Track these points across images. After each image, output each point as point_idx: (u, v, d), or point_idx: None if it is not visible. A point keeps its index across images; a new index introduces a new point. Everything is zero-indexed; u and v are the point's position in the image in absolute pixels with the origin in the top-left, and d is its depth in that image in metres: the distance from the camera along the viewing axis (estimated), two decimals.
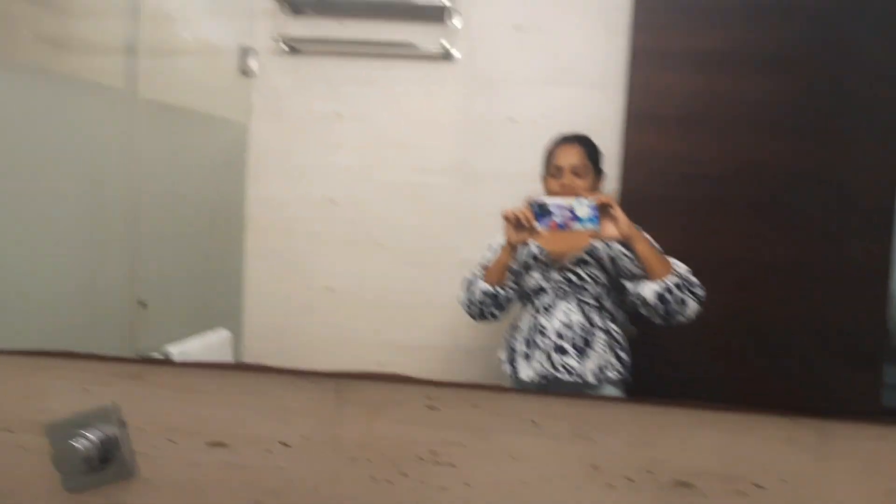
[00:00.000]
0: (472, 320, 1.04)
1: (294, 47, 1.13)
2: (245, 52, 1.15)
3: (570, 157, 1.02)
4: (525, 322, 1.03)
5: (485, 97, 1.08)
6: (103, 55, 1.19)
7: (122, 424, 1.03)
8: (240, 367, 1.01)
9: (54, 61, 1.19)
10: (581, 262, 1.02)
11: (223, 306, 1.17)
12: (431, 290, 1.10)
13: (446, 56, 1.10)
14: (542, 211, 0.97)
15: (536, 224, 0.97)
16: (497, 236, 1.02)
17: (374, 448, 0.98)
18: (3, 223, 1.09)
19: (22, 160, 1.11)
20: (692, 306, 0.96)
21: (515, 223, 0.98)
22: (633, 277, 0.99)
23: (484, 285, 1.02)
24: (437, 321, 1.09)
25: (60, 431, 1.02)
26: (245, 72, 1.15)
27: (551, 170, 1.03)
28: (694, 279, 0.97)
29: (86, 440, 1.00)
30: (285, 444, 1.00)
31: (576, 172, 1.01)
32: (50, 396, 1.04)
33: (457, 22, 1.09)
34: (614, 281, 1.01)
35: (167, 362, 1.03)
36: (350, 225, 1.11)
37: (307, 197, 1.11)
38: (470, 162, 1.09)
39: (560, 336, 1.00)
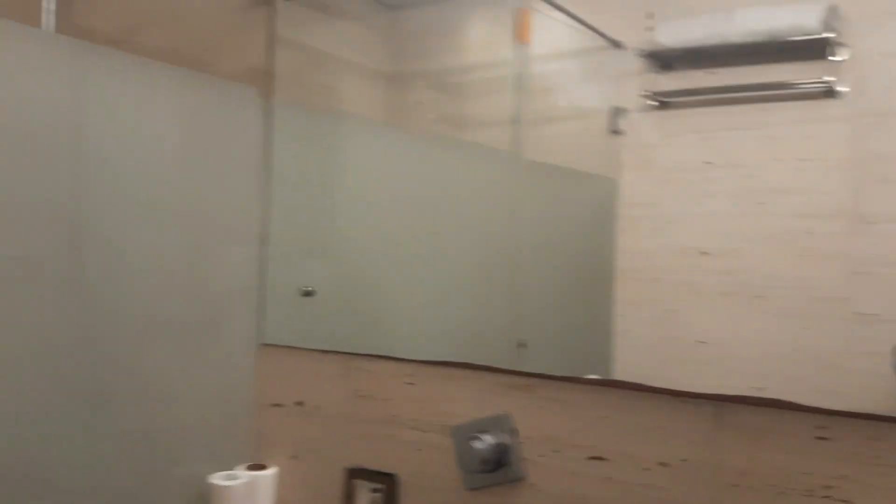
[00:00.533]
0: (864, 379, 0.95)
1: (663, 101, 1.17)
2: (615, 112, 1.22)
3: None
4: None
5: (879, 132, 1.00)
6: (492, 126, 1.38)
7: (514, 432, 1.14)
8: (617, 385, 1.07)
9: (453, 133, 1.41)
10: None
11: (594, 352, 1.23)
12: (817, 345, 1.01)
13: (828, 93, 1.07)
14: None
15: None
16: None
17: (756, 476, 0.97)
18: (418, 263, 1.31)
19: (427, 212, 1.33)
20: None
21: None
22: None
23: None
24: (822, 380, 1.00)
25: (462, 434, 1.17)
26: (615, 130, 1.21)
27: None
28: None
29: (484, 443, 1.14)
30: (664, 465, 1.03)
31: None
32: (455, 402, 1.20)
33: (842, 55, 1.06)
34: None
35: (553, 377, 1.12)
36: (723, 275, 1.08)
37: (677, 247, 1.11)
38: (863, 204, 1.00)
39: None
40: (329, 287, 1.37)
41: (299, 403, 1.35)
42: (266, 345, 1.39)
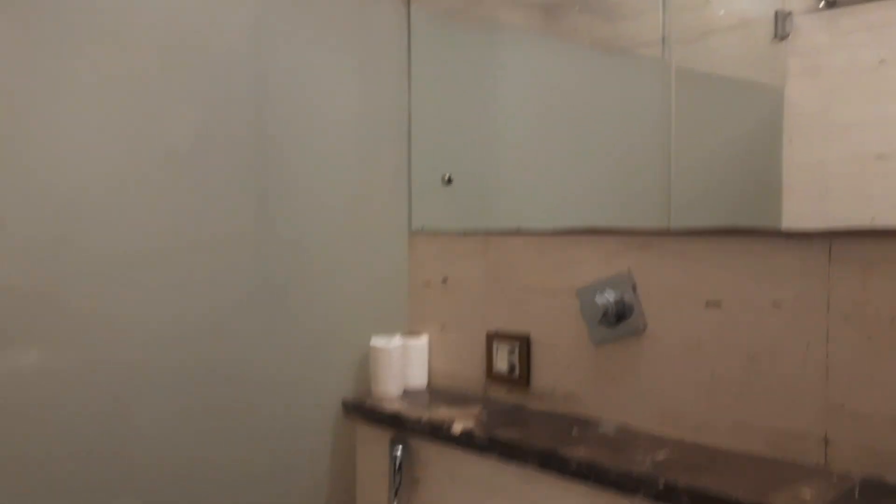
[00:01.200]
0: None
1: (832, 1, 1.09)
2: (780, 16, 1.14)
3: None
4: None
5: None
6: (648, 45, 1.33)
7: (634, 288, 1.24)
8: (732, 232, 1.13)
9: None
10: None
11: None
12: None
13: None
14: None
15: None
16: None
17: (869, 307, 1.01)
18: (560, 163, 1.40)
19: (574, 119, 1.40)
20: None
21: None
22: None
23: None
24: None
25: (587, 293, 1.28)
26: (780, 35, 1.14)
27: None
28: None
29: (606, 299, 1.24)
30: (777, 304, 1.09)
31: None
32: (581, 266, 1.31)
33: None
34: None
35: (671, 232, 1.20)
36: None
37: (850, 155, 1.06)
38: None
39: None
40: (470, 175, 1.51)
41: (445, 281, 1.51)
42: (416, 231, 1.56)
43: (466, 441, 1.23)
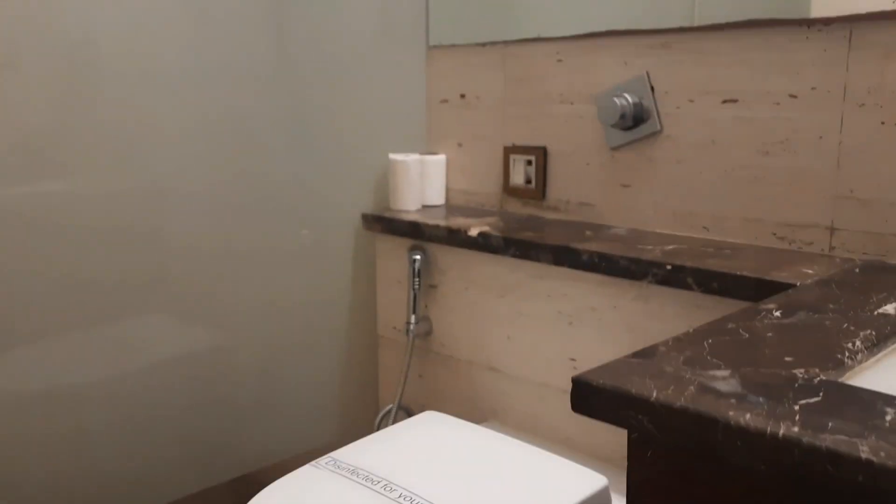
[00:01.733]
0: None
1: None
2: None
3: None
4: None
5: None
6: None
7: (652, 90, 1.24)
8: (753, 25, 1.11)
9: None
10: None
11: None
12: None
13: None
14: None
15: None
16: None
17: (885, 93, 1.00)
18: None
19: None
20: None
21: None
22: None
23: None
24: None
25: (605, 98, 1.28)
26: None
27: None
28: None
29: (624, 101, 1.24)
30: (793, 96, 1.09)
31: None
32: (599, 72, 1.30)
33: None
34: None
35: (691, 29, 1.18)
36: None
37: None
38: None
39: None
40: None
41: (462, 96, 1.51)
42: (433, 46, 1.54)
43: (483, 243, 1.28)
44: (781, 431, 0.50)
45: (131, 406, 1.23)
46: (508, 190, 1.45)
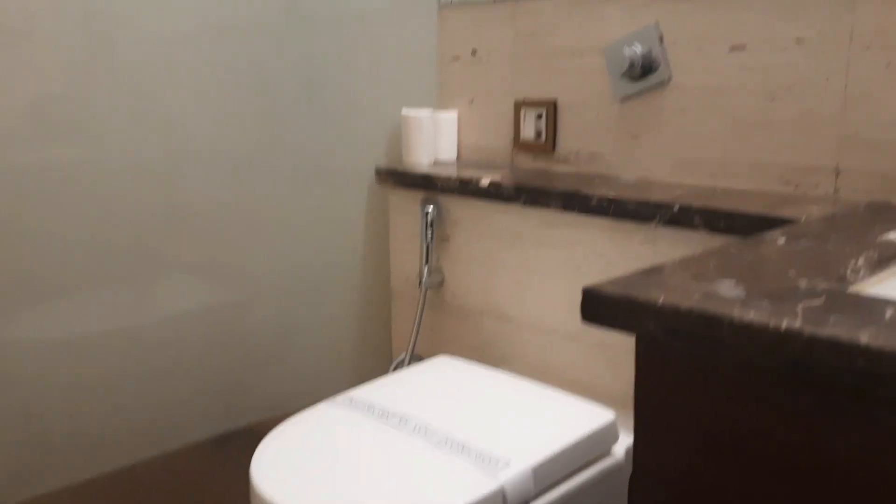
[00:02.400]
0: None
1: None
2: None
3: None
4: None
5: None
6: None
7: (661, 40, 1.25)
8: None
9: None
10: None
11: None
12: None
13: None
14: None
15: None
16: None
17: (891, 35, 1.02)
18: None
19: None
20: None
21: None
22: None
23: None
24: None
25: (614, 50, 1.30)
26: None
27: None
28: None
29: (633, 51, 1.26)
30: (800, 41, 1.10)
31: None
32: (608, 24, 1.31)
33: None
34: None
35: None
36: None
37: None
38: None
39: None
40: None
41: (473, 53, 1.53)
42: (445, 4, 1.56)
43: (494, 192, 1.30)
44: (784, 325, 0.53)
45: (153, 354, 1.26)
46: (519, 144, 1.48)
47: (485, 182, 1.32)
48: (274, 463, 0.96)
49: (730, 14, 1.16)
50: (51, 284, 1.14)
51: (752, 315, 0.55)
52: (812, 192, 1.11)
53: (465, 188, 1.35)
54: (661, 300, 0.60)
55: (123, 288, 1.22)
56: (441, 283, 1.47)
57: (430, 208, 1.44)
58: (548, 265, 1.28)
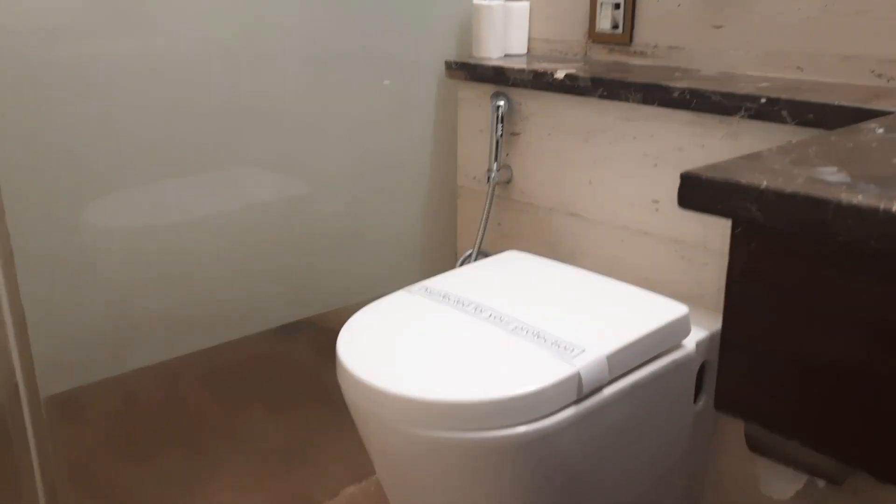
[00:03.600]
0: None
1: None
2: None
3: None
4: None
5: None
6: None
7: None
8: None
9: None
10: None
11: None
12: None
13: None
14: None
15: None
16: None
17: None
18: None
19: None
20: None
21: None
22: None
23: None
24: None
25: None
26: None
27: None
28: None
29: None
30: None
31: None
32: None
33: None
34: None
35: None
36: None
37: None
38: None
39: None
40: None
41: None
42: None
43: (570, 85, 1.28)
44: (895, 207, 0.52)
45: (230, 242, 1.30)
46: (594, 36, 1.44)
47: (559, 74, 1.30)
48: (359, 341, 1.00)
49: None
50: (132, 175, 1.17)
51: (861, 198, 0.54)
52: None
53: (539, 81, 1.33)
54: (763, 184, 0.59)
55: (200, 179, 1.25)
56: (509, 180, 1.48)
57: (501, 102, 1.42)
58: (623, 160, 1.27)
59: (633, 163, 1.26)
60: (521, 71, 1.36)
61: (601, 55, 1.44)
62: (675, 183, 1.16)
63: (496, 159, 1.45)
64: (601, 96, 1.25)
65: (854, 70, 1.11)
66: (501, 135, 1.44)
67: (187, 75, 1.19)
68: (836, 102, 0.97)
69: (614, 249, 1.32)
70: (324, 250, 1.45)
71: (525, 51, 1.55)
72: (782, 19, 1.17)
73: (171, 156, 1.20)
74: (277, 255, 1.38)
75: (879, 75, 1.09)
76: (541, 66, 1.37)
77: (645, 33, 1.36)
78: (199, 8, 1.18)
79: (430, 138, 1.55)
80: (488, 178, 1.46)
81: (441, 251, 1.64)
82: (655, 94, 1.17)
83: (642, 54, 1.37)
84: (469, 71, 1.46)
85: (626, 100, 1.21)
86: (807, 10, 1.15)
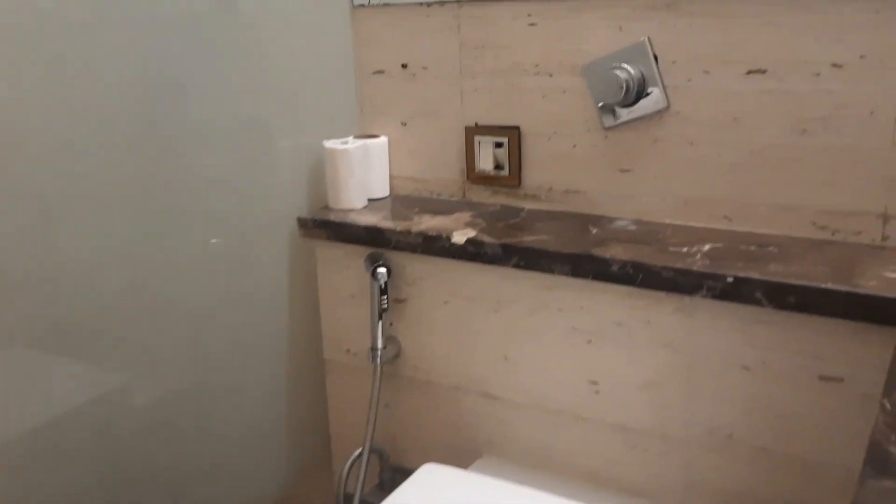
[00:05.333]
0: None
1: None
2: None
3: None
4: None
5: None
6: None
7: (656, 59, 1.05)
8: None
9: None
10: None
11: None
12: None
13: None
14: None
15: None
16: None
17: None
18: None
19: None
20: None
21: None
22: None
23: None
24: None
25: (596, 69, 1.08)
26: None
27: None
28: None
29: (624, 73, 1.05)
30: (836, 66, 0.94)
31: None
32: (585, 38, 1.09)
33: None
34: None
35: None
36: None
37: None
38: None
39: None
40: None
41: (404, 66, 1.26)
42: (358, 5, 1.26)
43: (473, 252, 1.06)
44: None
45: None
46: (473, 176, 1.24)
47: (459, 239, 1.08)
48: None
49: (744, 32, 0.99)
50: None
51: None
52: (854, 240, 0.98)
53: (432, 246, 1.10)
54: None
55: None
56: (397, 355, 1.22)
57: (383, 269, 1.17)
58: (547, 334, 1.07)
59: (559, 338, 1.06)
60: (407, 233, 1.12)
61: (484, 196, 1.24)
62: (618, 361, 0.99)
63: (381, 334, 1.19)
64: (515, 266, 1.04)
65: (792, 221, 1.01)
66: (386, 308, 1.18)
67: None
68: (823, 285, 0.84)
69: (546, 438, 1.11)
70: (172, 475, 1.10)
71: (388, 192, 1.31)
72: (702, 165, 1.05)
73: None
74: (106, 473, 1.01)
75: (822, 227, 0.99)
76: (425, 222, 1.14)
77: (536, 175, 1.18)
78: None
79: (284, 306, 1.26)
80: (373, 356, 1.19)
81: (313, 444, 1.34)
82: (587, 267, 0.99)
83: (535, 197, 1.19)
84: (333, 230, 1.20)
85: (550, 271, 1.01)
86: (730, 157, 1.03)
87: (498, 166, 1.21)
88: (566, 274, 1.01)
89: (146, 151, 1.01)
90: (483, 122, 1.21)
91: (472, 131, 1.22)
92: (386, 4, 1.25)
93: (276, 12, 1.16)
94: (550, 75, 1.13)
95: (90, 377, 1.02)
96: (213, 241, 1.17)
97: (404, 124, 1.28)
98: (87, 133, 0.93)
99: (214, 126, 1.10)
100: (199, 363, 1.14)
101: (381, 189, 1.30)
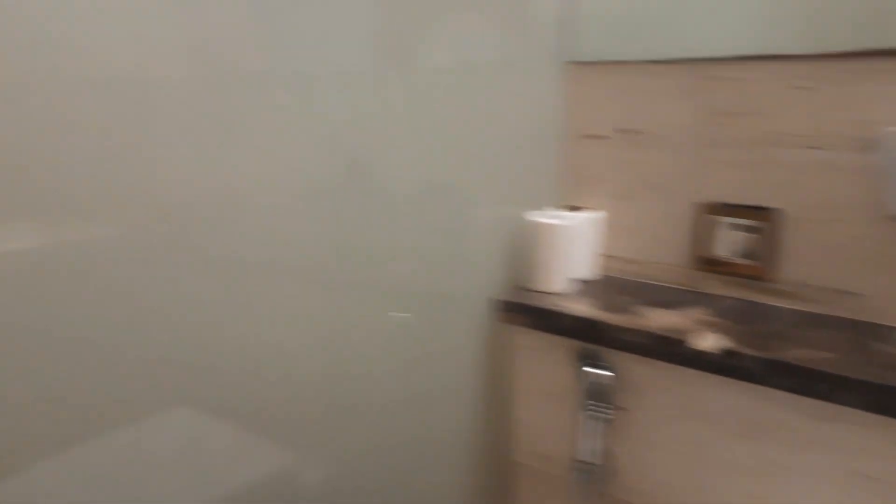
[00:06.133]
0: None
1: None
2: None
3: None
4: None
5: None
6: None
7: None
8: None
9: None
10: None
11: None
12: None
13: None
14: None
15: None
16: None
17: None
18: None
19: None
20: None
21: None
22: None
23: None
24: None
25: (889, 145, 0.86)
26: None
27: None
28: None
29: None
30: None
31: None
32: (873, 105, 0.88)
33: None
34: None
35: None
36: None
37: None
38: None
39: None
40: None
41: (624, 132, 1.08)
42: (572, 62, 1.10)
43: (722, 363, 0.85)
44: None
45: None
46: (706, 263, 1.03)
47: (704, 345, 0.87)
48: None
49: None
50: None
51: None
52: None
53: (662, 349, 0.90)
54: None
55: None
56: (607, 473, 1.02)
57: (601, 371, 0.98)
58: (815, 475, 0.84)
59: (835, 482, 0.83)
60: (628, 330, 0.92)
61: (715, 288, 1.04)
62: None
63: (590, 446, 1.00)
64: (777, 386, 0.82)
65: None
66: (601, 416, 0.99)
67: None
68: None
69: None
70: None
71: (592, 274, 1.13)
72: None
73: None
74: None
75: None
76: (649, 316, 0.95)
77: (795, 268, 0.97)
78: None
79: (473, 396, 1.09)
80: (582, 468, 1.00)
81: None
82: (887, 401, 0.75)
83: (790, 295, 0.98)
84: (535, 317, 1.02)
85: (828, 399, 0.79)
86: None
87: (748, 254, 1.00)
88: (853, 405, 0.78)
89: (342, 223, 0.88)
90: (724, 199, 1.01)
91: (709, 209, 1.02)
92: (602, 62, 1.08)
93: (476, 69, 1.02)
94: (825, 149, 0.92)
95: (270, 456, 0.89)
96: (402, 315, 1.03)
97: (622, 198, 1.10)
98: (291, 201, 0.81)
99: (406, 194, 0.96)
100: (377, 455, 0.98)
101: (585, 270, 1.12)
